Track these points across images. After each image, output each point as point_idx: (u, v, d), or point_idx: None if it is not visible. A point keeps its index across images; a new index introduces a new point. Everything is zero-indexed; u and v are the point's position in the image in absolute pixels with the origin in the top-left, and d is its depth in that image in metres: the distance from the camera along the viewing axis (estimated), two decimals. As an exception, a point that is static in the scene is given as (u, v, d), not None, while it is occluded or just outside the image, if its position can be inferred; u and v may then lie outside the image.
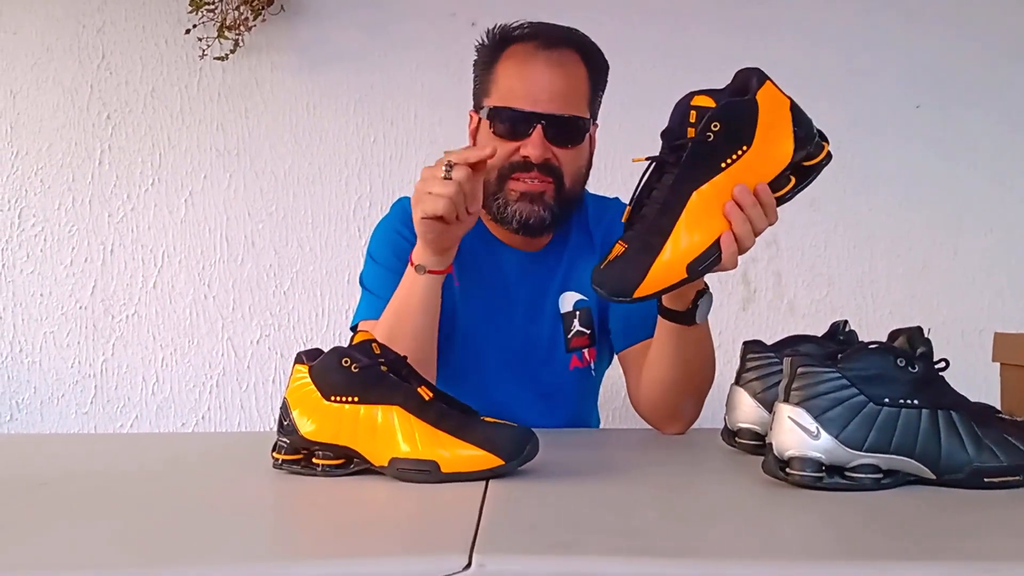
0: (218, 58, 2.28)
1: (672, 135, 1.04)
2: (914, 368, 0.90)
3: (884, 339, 0.96)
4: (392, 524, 0.84)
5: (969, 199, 2.38)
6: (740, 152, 1.02)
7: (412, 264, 1.24)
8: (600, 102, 1.43)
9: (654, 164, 1.06)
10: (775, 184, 1.04)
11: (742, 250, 1.06)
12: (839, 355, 0.92)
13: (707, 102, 1.03)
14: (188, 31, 2.27)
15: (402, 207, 1.45)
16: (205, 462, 1.14)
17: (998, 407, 1.04)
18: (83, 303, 2.35)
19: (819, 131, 1.05)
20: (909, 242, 2.38)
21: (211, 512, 0.87)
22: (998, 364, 1.27)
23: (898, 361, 0.90)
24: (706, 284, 1.19)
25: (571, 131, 1.34)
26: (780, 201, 1.06)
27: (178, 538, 0.77)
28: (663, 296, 1.18)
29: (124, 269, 2.35)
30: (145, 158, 2.36)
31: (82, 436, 2.08)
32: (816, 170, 1.05)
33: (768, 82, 1.03)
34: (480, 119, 1.39)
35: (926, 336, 0.94)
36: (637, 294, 1.04)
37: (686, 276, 1.04)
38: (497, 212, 1.37)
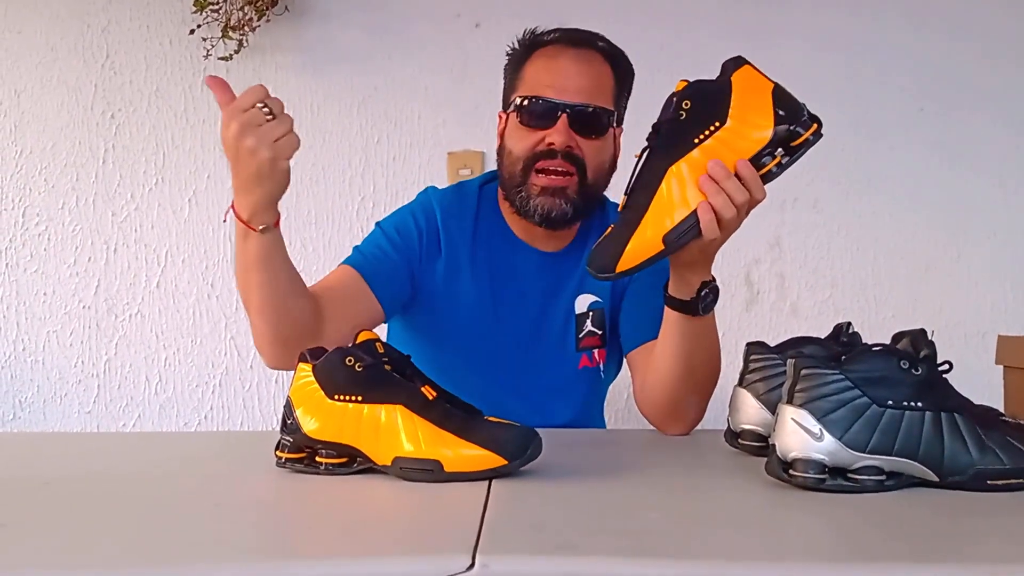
0: (222, 58, 2.29)
1: (657, 121, 1.10)
2: (917, 370, 0.90)
3: (887, 341, 0.96)
4: (395, 524, 0.84)
5: (972, 202, 2.38)
6: (712, 128, 1.06)
7: (251, 226, 1.21)
8: (625, 106, 1.46)
9: (644, 152, 1.10)
10: (755, 161, 1.06)
11: (722, 223, 1.08)
12: (842, 357, 0.92)
13: (684, 85, 1.08)
14: (192, 31, 2.27)
15: (428, 198, 1.48)
16: (208, 461, 1.14)
17: (1001, 410, 1.04)
18: (86, 302, 2.35)
19: (808, 112, 1.06)
20: (912, 245, 2.38)
21: (214, 511, 0.87)
22: (1001, 367, 1.27)
23: (901, 363, 0.90)
24: (712, 277, 1.19)
25: (595, 122, 1.37)
26: (767, 178, 1.08)
27: (181, 537, 0.77)
28: (669, 285, 1.20)
29: (127, 268, 2.36)
30: (149, 157, 2.36)
31: (85, 435, 2.09)
32: (804, 147, 1.06)
33: (747, 65, 1.07)
34: (507, 117, 1.42)
35: (930, 338, 0.94)
36: (619, 268, 1.08)
37: (663, 248, 1.07)
38: (520, 205, 1.39)
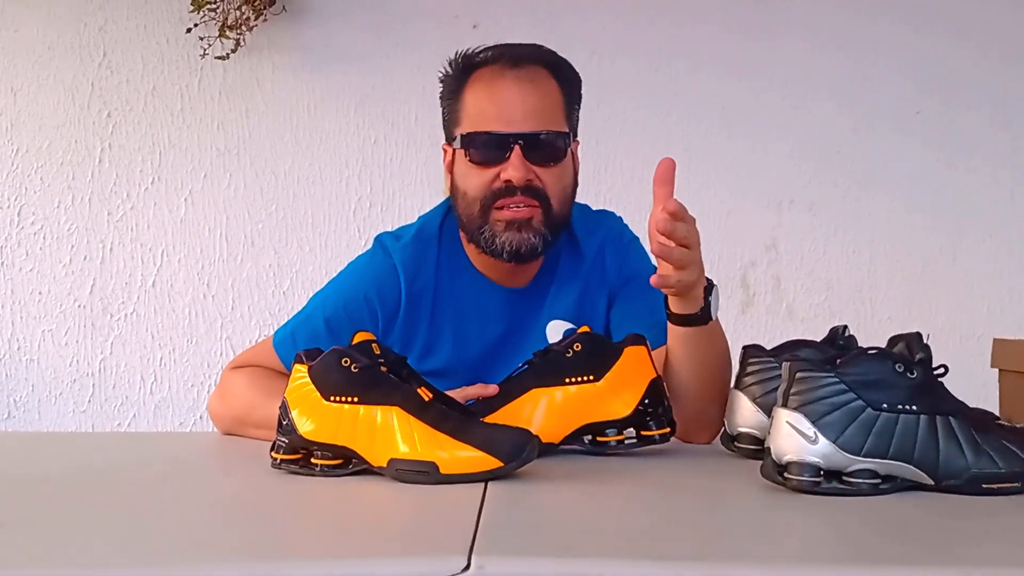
0: (219, 57, 2.28)
1: (548, 346, 1.18)
2: (913, 374, 0.90)
3: (883, 344, 0.96)
4: (390, 525, 0.84)
5: (969, 205, 2.39)
6: (584, 379, 1.12)
7: None
8: (578, 117, 1.37)
9: (525, 364, 1.16)
10: (600, 427, 1.12)
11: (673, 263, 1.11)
12: (838, 360, 0.92)
13: (586, 330, 1.16)
14: (189, 30, 2.27)
15: (386, 257, 1.36)
16: (203, 461, 1.14)
17: (997, 413, 1.04)
18: (82, 301, 2.35)
19: (670, 418, 1.13)
20: (908, 247, 2.38)
21: (208, 511, 0.87)
22: (997, 370, 1.27)
23: (897, 367, 0.90)
24: (709, 278, 1.18)
25: (551, 148, 1.28)
26: (603, 446, 1.12)
27: (175, 537, 0.77)
28: (671, 305, 1.19)
29: (123, 268, 2.35)
30: (145, 157, 2.36)
31: (80, 434, 2.08)
32: (649, 441, 1.12)
33: (644, 347, 1.14)
34: (454, 150, 1.33)
35: (925, 342, 0.94)
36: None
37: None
38: (485, 244, 1.30)
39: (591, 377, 1.11)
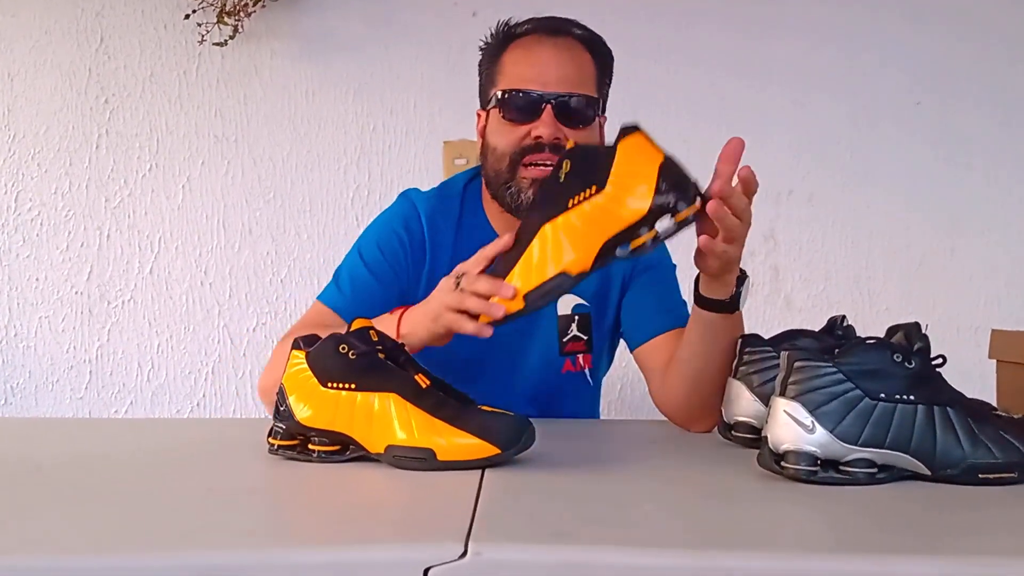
0: (217, 44, 2.27)
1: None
2: (911, 364, 0.90)
3: (881, 335, 0.96)
4: (388, 512, 0.84)
5: (967, 197, 2.38)
6: (588, 192, 1.04)
7: (398, 334, 1.19)
8: (607, 92, 1.42)
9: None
10: (631, 231, 1.03)
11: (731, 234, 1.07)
12: (836, 350, 0.92)
13: (572, 145, 1.09)
14: (187, 16, 2.26)
15: (410, 202, 1.44)
16: (200, 448, 1.14)
17: (994, 404, 1.04)
18: (79, 288, 2.34)
19: (696, 190, 1.03)
20: (907, 239, 2.38)
21: (206, 498, 0.87)
22: (994, 361, 1.27)
23: (895, 357, 0.90)
24: (742, 269, 1.17)
25: (581, 112, 1.33)
26: (640, 250, 1.04)
27: (173, 523, 0.77)
28: (700, 287, 1.17)
29: (120, 255, 2.35)
30: (143, 143, 2.35)
31: (77, 420, 2.08)
32: (684, 223, 1.03)
33: (639, 133, 1.04)
34: (488, 114, 1.38)
35: (923, 332, 0.94)
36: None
37: (523, 306, 1.06)
38: (511, 200, 1.35)
39: (594, 188, 1.04)
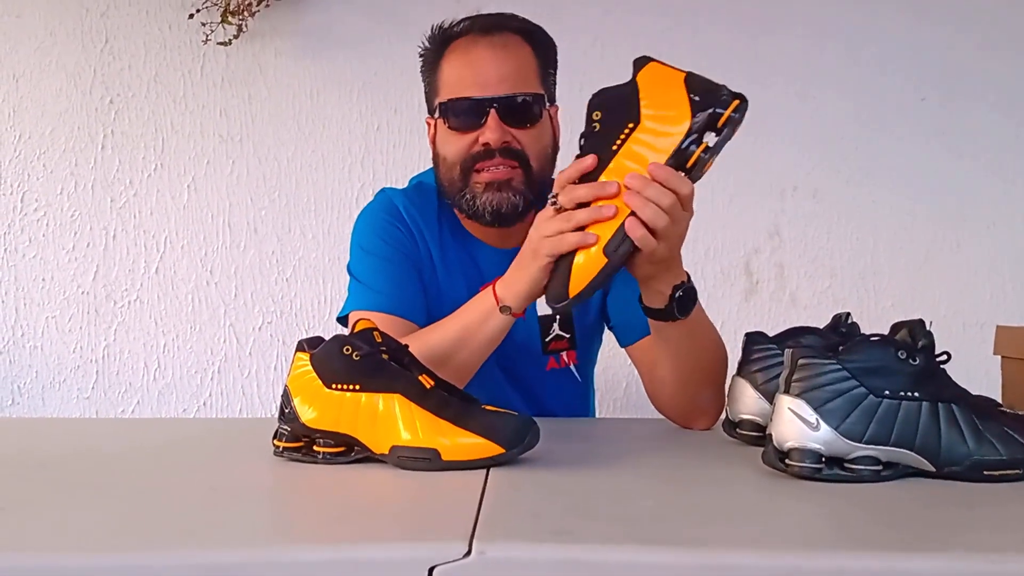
0: (222, 43, 2.28)
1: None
2: (915, 361, 0.90)
3: (886, 331, 0.96)
4: (392, 511, 0.84)
5: (972, 193, 2.38)
6: (628, 130, 1.03)
7: (496, 300, 1.17)
8: (554, 81, 1.39)
9: None
10: (682, 151, 1.02)
11: (658, 232, 1.03)
12: (840, 347, 0.92)
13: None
14: (192, 16, 2.26)
15: (388, 197, 1.42)
16: (206, 448, 1.14)
17: (999, 400, 1.04)
18: (85, 288, 2.35)
19: (729, 91, 1.02)
20: (912, 235, 2.38)
21: (212, 498, 0.87)
22: (999, 357, 1.26)
23: (899, 353, 0.90)
24: (686, 277, 1.15)
25: (526, 111, 1.31)
26: (699, 163, 1.02)
27: (178, 523, 0.77)
28: (642, 296, 1.16)
29: (126, 254, 2.35)
30: (148, 143, 2.35)
31: (83, 420, 2.09)
32: (730, 125, 1.01)
33: (653, 63, 1.05)
34: (436, 122, 1.36)
35: (928, 329, 0.94)
36: (571, 293, 1.05)
37: (608, 260, 1.03)
38: (467, 207, 1.33)
39: (631, 125, 1.03)
